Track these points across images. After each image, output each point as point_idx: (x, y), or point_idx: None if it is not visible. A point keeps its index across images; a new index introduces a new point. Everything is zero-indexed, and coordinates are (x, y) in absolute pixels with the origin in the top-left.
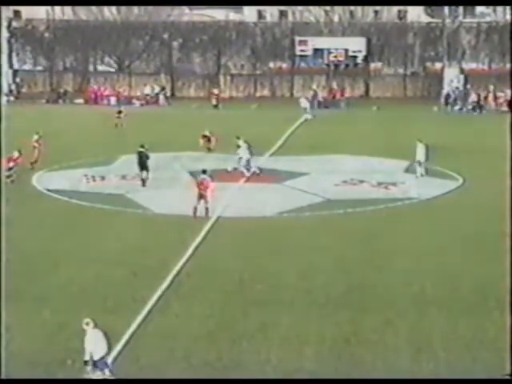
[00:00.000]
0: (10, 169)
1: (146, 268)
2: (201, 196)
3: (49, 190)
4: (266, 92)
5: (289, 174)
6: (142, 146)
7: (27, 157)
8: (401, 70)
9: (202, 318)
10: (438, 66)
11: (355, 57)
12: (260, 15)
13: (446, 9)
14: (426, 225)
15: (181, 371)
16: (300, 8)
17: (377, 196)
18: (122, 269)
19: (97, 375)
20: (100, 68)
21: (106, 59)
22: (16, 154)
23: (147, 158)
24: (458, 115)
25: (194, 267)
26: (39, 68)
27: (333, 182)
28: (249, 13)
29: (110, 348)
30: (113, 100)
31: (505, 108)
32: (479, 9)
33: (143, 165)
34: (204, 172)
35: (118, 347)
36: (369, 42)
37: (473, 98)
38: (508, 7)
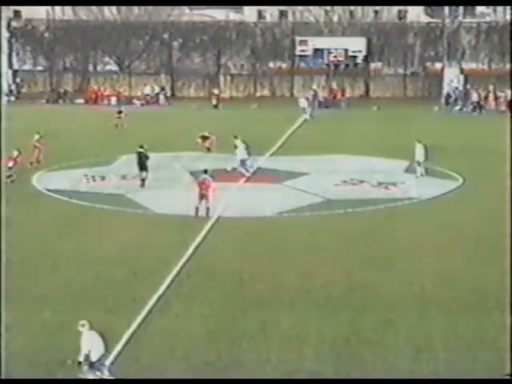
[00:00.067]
0: (10, 168)
1: (146, 268)
2: (202, 196)
3: (49, 190)
4: (265, 92)
5: (289, 173)
6: (142, 147)
7: (27, 156)
8: (401, 70)
9: (202, 317)
10: (438, 66)
11: (355, 57)
12: (260, 15)
13: (446, 9)
14: (426, 225)
15: (181, 371)
16: (300, 8)
17: (377, 196)
18: (122, 269)
19: (95, 376)
20: (100, 68)
21: (106, 59)
22: (15, 153)
23: (147, 158)
24: (458, 115)
25: (194, 267)
26: (39, 68)
27: (333, 182)
28: (249, 13)
29: (107, 349)
30: (113, 100)
31: (505, 108)
32: (479, 9)
33: (142, 165)
34: (205, 172)
35: (118, 347)
36: (369, 42)
37: (473, 98)
38: (508, 7)
